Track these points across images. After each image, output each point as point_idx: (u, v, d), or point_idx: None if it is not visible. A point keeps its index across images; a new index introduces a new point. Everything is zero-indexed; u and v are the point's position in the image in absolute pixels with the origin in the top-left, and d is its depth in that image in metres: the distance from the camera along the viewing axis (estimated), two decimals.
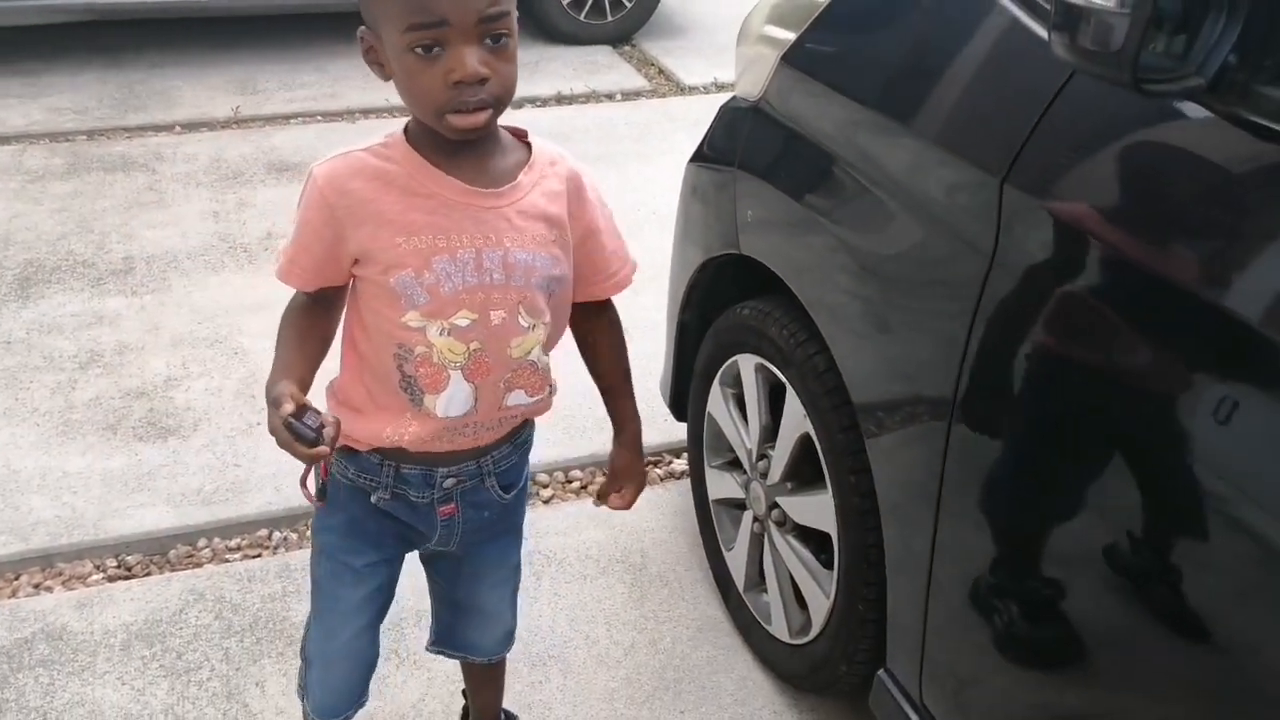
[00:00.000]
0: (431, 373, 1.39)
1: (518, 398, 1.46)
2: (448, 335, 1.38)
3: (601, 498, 1.68)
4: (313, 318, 1.44)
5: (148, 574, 2.47)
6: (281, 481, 2.70)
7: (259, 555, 2.53)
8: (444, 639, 1.78)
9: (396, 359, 1.40)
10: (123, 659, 2.21)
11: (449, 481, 1.52)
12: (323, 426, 1.29)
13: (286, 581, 2.41)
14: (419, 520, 1.56)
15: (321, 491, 1.55)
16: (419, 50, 1.24)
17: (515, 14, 1.29)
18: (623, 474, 1.66)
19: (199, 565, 2.50)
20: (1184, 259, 1.23)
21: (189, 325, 3.34)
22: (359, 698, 1.69)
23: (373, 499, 1.52)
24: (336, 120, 4.91)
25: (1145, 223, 1.27)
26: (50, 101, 4.98)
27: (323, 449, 1.27)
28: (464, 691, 1.97)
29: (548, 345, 1.48)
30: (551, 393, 1.52)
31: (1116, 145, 1.34)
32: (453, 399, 1.41)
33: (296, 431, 1.27)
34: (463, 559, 1.66)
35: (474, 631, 1.76)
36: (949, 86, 1.60)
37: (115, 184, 4.24)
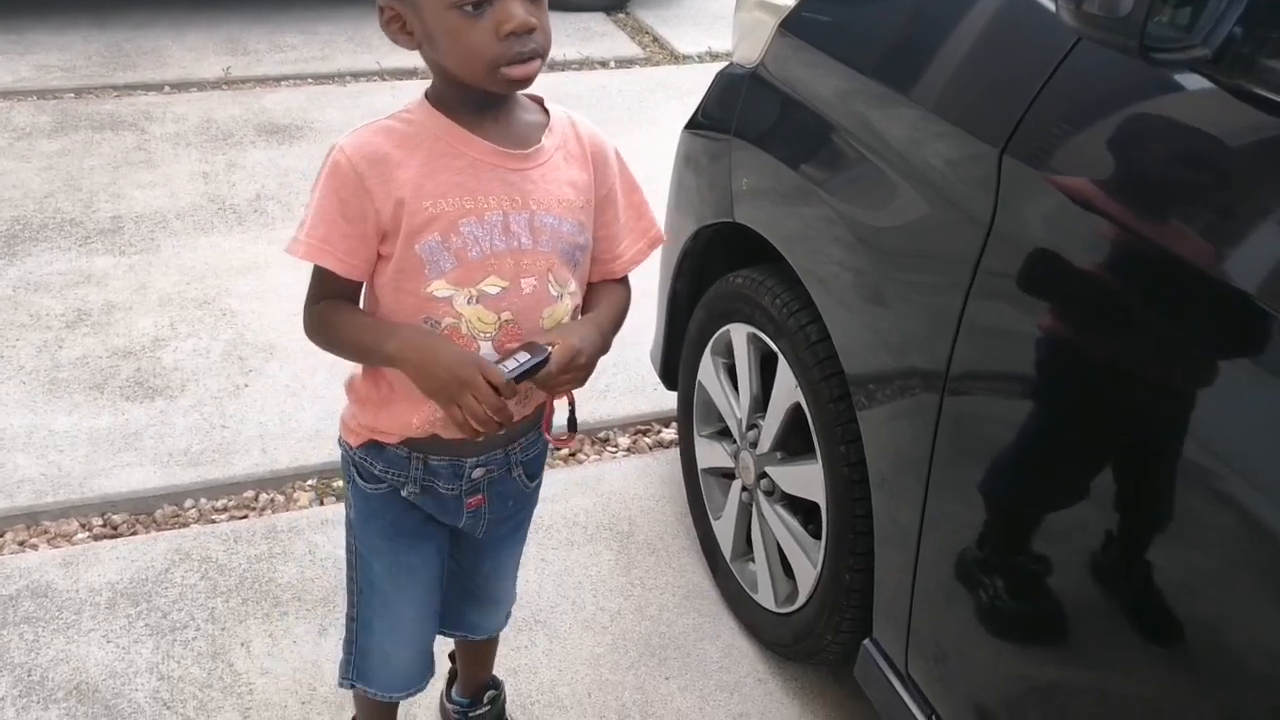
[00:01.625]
0: (461, 345, 1.35)
1: None
2: (476, 304, 1.35)
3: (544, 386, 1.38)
4: (357, 309, 1.41)
5: (134, 533, 2.47)
6: (268, 443, 2.69)
7: (245, 516, 2.53)
8: (449, 621, 1.75)
9: None
10: (108, 617, 2.21)
11: (477, 472, 1.50)
12: (533, 348, 1.30)
13: (273, 543, 2.41)
14: (445, 512, 1.54)
15: (572, 421, 1.49)
16: (468, 8, 1.23)
17: None
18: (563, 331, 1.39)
19: (185, 525, 2.50)
20: (1184, 231, 1.22)
21: (177, 286, 3.32)
22: (430, 668, 1.69)
23: (403, 493, 1.51)
24: (327, 83, 4.87)
25: (1145, 195, 1.26)
26: (38, 59, 4.93)
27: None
28: (451, 655, 1.97)
29: (575, 317, 1.45)
30: None
31: (1117, 117, 1.34)
32: (492, 358, 1.36)
33: (524, 377, 1.28)
34: (484, 549, 1.66)
35: (480, 614, 1.77)
36: (949, 55, 1.59)
37: (103, 143, 4.20)
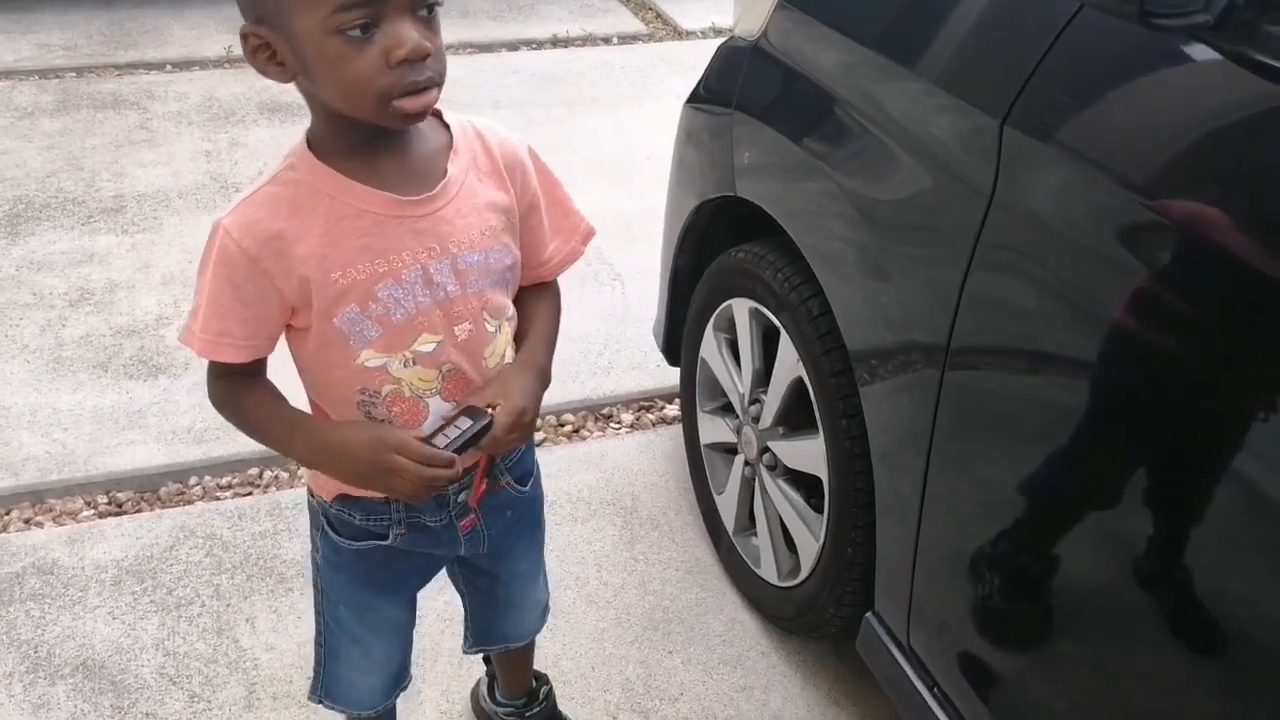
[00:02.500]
0: (407, 408, 1.28)
1: None
2: (414, 365, 1.26)
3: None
4: (265, 390, 1.31)
5: (138, 511, 2.48)
6: None
7: (250, 493, 2.53)
8: (484, 637, 1.71)
9: (362, 406, 1.28)
10: (114, 594, 2.22)
11: (463, 495, 1.40)
12: (473, 412, 1.24)
13: (277, 519, 2.41)
14: (440, 544, 1.46)
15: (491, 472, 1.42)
16: (353, 33, 1.08)
17: None
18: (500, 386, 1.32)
19: (190, 503, 2.50)
20: (1186, 201, 1.21)
21: (180, 264, 3.32)
22: (403, 681, 1.64)
23: (389, 540, 1.41)
24: None
25: (1147, 164, 1.26)
26: (39, 38, 4.92)
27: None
28: (485, 658, 1.92)
29: (517, 339, 1.38)
30: None
31: (1119, 86, 1.33)
32: (435, 423, 1.28)
33: (467, 445, 1.22)
34: (499, 562, 1.58)
35: (512, 625, 1.70)
36: (950, 26, 1.58)
37: (106, 122, 4.20)
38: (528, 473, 1.52)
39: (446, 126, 1.28)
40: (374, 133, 1.18)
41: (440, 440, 1.24)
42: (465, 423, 1.25)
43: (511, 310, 1.35)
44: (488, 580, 1.62)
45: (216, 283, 1.21)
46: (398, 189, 1.21)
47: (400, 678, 1.63)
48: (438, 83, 1.15)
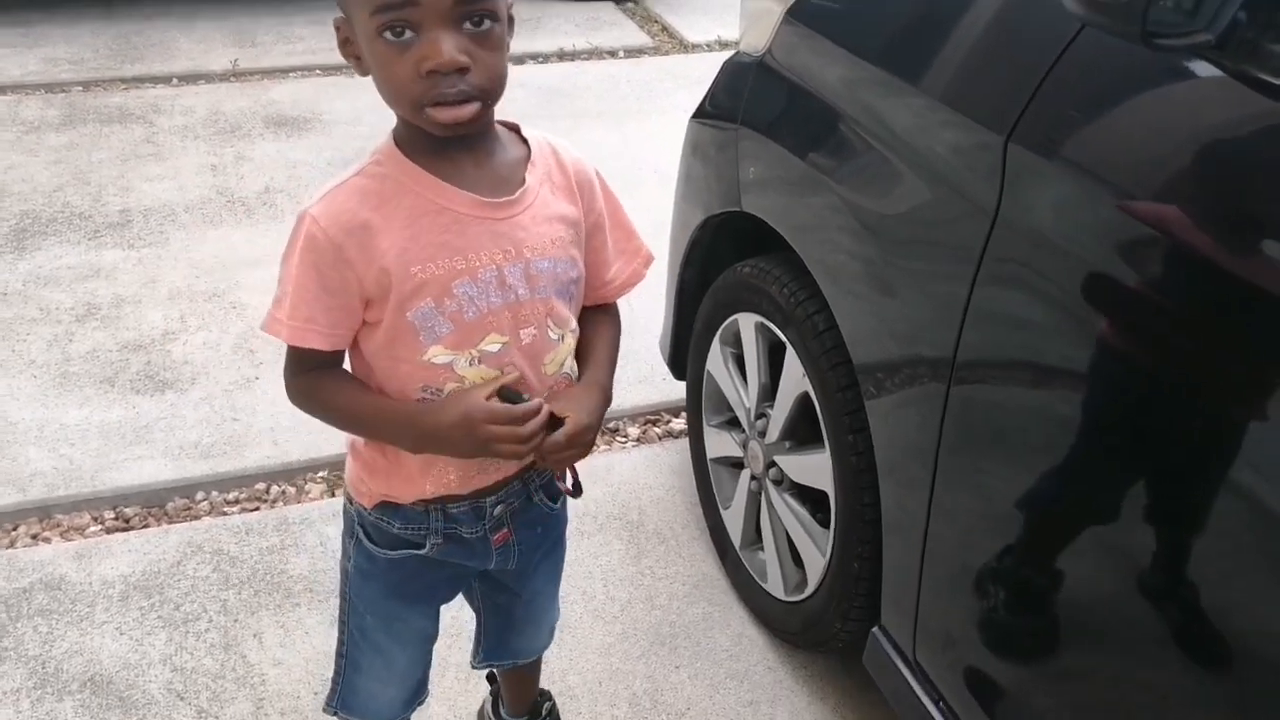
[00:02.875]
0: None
1: None
2: (479, 365, 1.28)
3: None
4: (350, 380, 1.33)
5: (145, 526, 2.48)
6: (279, 436, 2.70)
7: (256, 509, 2.54)
8: (494, 653, 1.70)
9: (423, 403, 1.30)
10: (121, 609, 2.22)
11: (499, 509, 1.43)
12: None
13: (284, 535, 2.42)
14: (473, 556, 1.47)
15: (577, 485, 1.45)
16: (389, 35, 1.12)
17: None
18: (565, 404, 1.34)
19: (197, 518, 2.51)
20: (1189, 218, 1.22)
21: (187, 279, 3.33)
22: (420, 696, 1.64)
23: (426, 549, 1.43)
24: (335, 74, 4.87)
25: (1150, 181, 1.26)
26: (46, 52, 4.94)
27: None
28: (489, 677, 1.92)
29: (579, 359, 1.41)
30: None
31: (1122, 103, 1.33)
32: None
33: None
34: (523, 578, 1.58)
35: (525, 640, 1.71)
36: (955, 43, 1.59)
37: (112, 136, 4.21)
38: (558, 489, 1.53)
39: (524, 141, 1.32)
40: (444, 141, 1.21)
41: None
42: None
43: (574, 324, 1.38)
44: (508, 597, 1.62)
45: (303, 270, 1.23)
46: (479, 191, 1.25)
47: (419, 692, 1.63)
48: (477, 97, 1.16)
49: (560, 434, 1.29)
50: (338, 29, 1.20)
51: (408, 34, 1.12)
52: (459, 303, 1.25)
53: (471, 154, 1.25)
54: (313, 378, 1.32)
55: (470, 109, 1.16)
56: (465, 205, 1.24)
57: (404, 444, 1.33)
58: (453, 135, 1.19)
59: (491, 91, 1.18)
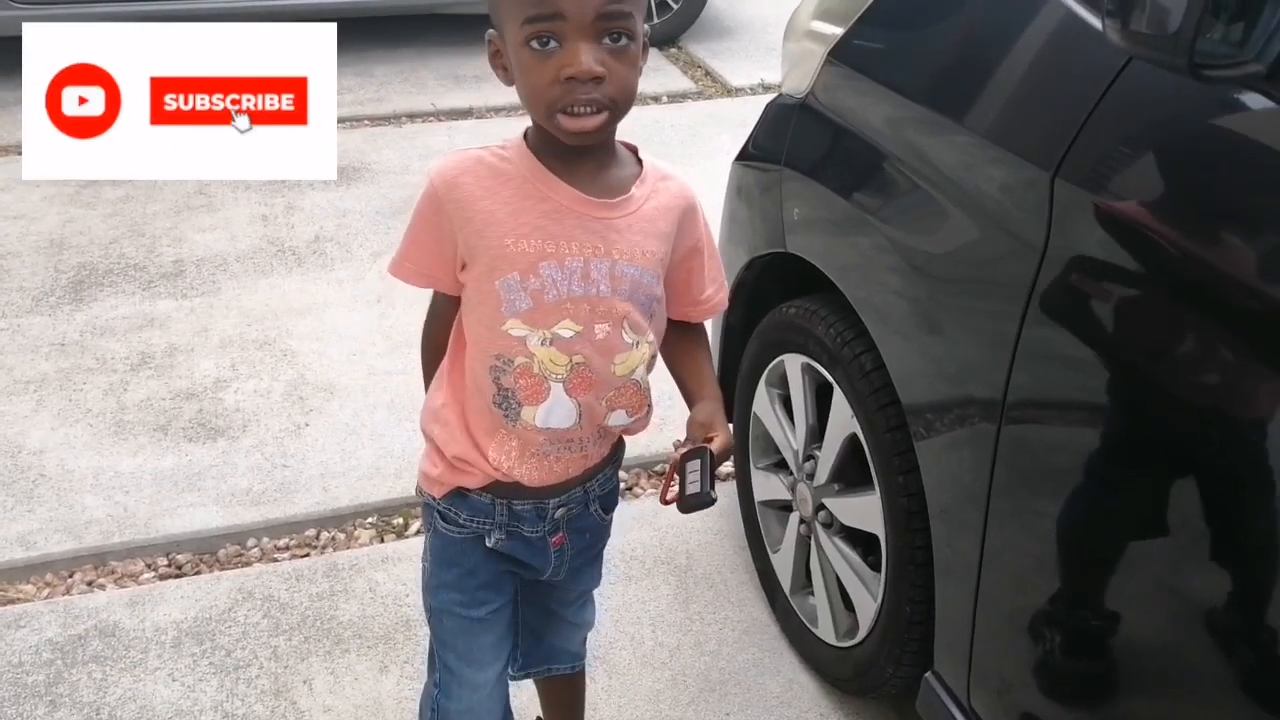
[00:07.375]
0: (531, 384, 1.37)
1: (618, 418, 1.45)
2: (549, 345, 1.36)
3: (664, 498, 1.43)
4: (445, 322, 1.47)
5: (197, 573, 2.50)
6: (329, 482, 2.72)
7: (307, 555, 2.55)
8: (531, 657, 1.73)
9: (493, 371, 1.38)
10: (173, 656, 2.24)
11: (559, 512, 1.50)
12: (695, 453, 1.38)
13: (334, 581, 2.42)
14: (534, 555, 1.54)
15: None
16: (535, 44, 1.23)
17: (642, 21, 1.27)
18: (703, 421, 1.46)
19: (248, 564, 2.52)
20: (1242, 253, 1.20)
21: (238, 328, 3.38)
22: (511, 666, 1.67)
23: (489, 542, 1.50)
24: (383, 124, 4.94)
25: (1201, 216, 1.24)
26: None
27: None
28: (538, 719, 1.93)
29: (650, 365, 1.46)
30: (649, 413, 1.49)
31: (1170, 137, 1.32)
32: (552, 411, 1.39)
33: (711, 479, 1.38)
34: (562, 586, 1.65)
35: (564, 639, 1.75)
36: (999, 80, 1.58)
37: (165, 188, 4.29)
38: (613, 504, 1.61)
39: (639, 161, 1.41)
40: (569, 151, 1.31)
41: (690, 488, 1.37)
42: (696, 464, 1.37)
43: (651, 336, 1.44)
44: (544, 600, 1.68)
45: (416, 214, 1.39)
46: (585, 191, 1.34)
47: (504, 672, 1.64)
48: (606, 106, 1.25)
49: (718, 453, 1.41)
50: (489, 42, 1.32)
51: (552, 44, 1.23)
52: (542, 282, 1.33)
53: (589, 162, 1.35)
54: (429, 315, 1.50)
55: (598, 119, 1.26)
56: (568, 199, 1.33)
57: None
58: (578, 144, 1.29)
59: (620, 103, 1.27)
